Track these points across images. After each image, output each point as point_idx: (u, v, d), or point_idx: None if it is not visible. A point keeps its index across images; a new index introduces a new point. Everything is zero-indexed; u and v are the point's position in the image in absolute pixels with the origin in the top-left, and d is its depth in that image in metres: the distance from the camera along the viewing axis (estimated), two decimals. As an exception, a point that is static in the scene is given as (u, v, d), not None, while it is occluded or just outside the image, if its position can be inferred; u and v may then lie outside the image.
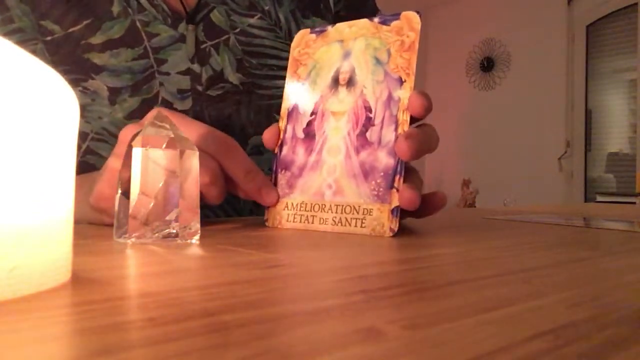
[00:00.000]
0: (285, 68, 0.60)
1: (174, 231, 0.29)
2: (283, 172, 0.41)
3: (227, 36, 0.57)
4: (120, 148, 0.37)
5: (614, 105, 3.54)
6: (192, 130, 0.37)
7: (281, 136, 0.42)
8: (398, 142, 0.35)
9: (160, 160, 0.29)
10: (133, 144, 0.29)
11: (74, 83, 0.51)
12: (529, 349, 0.12)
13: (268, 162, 0.58)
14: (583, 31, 3.61)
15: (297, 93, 0.43)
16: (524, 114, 3.81)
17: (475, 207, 3.67)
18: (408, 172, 0.37)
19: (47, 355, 0.12)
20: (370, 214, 0.36)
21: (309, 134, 0.40)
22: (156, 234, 0.29)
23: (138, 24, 0.53)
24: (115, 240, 0.29)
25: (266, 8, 0.60)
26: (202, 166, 0.34)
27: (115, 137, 0.52)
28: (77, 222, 0.37)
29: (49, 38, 0.51)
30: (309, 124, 0.41)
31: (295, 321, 0.14)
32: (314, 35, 0.43)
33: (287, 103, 0.43)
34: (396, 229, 0.35)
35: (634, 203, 2.70)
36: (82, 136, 0.52)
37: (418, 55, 0.38)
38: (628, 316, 0.16)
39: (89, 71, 0.51)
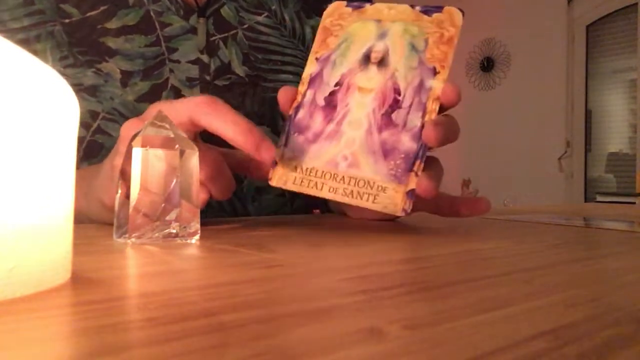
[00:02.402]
0: (288, 64, 0.64)
1: (174, 231, 0.29)
2: (296, 134, 0.40)
3: (235, 31, 0.60)
4: (122, 145, 0.36)
5: (614, 105, 3.54)
6: (171, 108, 0.33)
7: (299, 99, 0.41)
8: (426, 127, 0.36)
9: (160, 161, 0.29)
10: (133, 144, 0.29)
11: (89, 64, 0.53)
12: (529, 349, 0.12)
13: None
14: (583, 31, 3.61)
15: (323, 61, 0.42)
16: (524, 114, 3.81)
17: (475, 207, 3.66)
18: (430, 160, 0.37)
19: (47, 355, 0.12)
20: (384, 192, 0.36)
21: (330, 104, 0.40)
22: (156, 234, 0.29)
23: (152, 13, 0.56)
24: (115, 240, 0.29)
25: (273, 7, 0.64)
26: (200, 159, 0.32)
27: (125, 117, 0.54)
28: (78, 219, 0.37)
29: (67, 21, 0.54)
30: (332, 93, 0.41)
31: (295, 321, 0.14)
32: (349, 9, 0.44)
33: (310, 69, 0.42)
34: (409, 210, 0.35)
35: (634, 203, 2.70)
36: (93, 115, 0.53)
37: None
38: (628, 316, 0.16)
39: (103, 54, 0.54)
